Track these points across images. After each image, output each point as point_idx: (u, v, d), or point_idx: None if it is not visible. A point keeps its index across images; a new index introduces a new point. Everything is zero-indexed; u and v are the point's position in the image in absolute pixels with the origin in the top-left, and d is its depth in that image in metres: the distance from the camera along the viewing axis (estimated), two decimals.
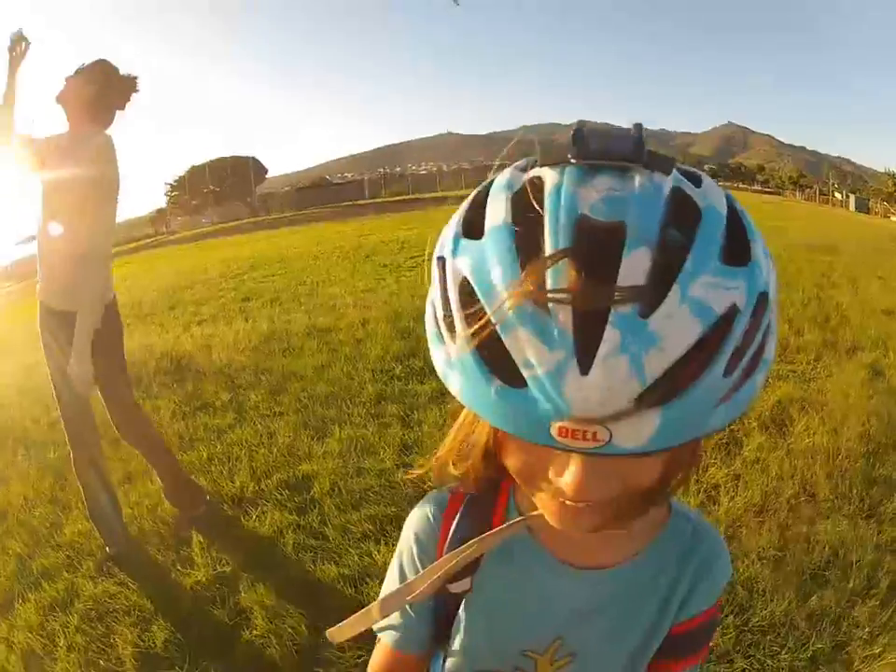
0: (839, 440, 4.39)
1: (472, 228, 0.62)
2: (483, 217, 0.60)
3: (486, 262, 0.57)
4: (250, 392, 5.61)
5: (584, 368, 0.51)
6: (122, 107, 3.36)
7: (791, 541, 3.26)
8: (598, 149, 0.56)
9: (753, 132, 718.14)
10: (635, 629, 0.91)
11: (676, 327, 0.52)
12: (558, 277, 0.52)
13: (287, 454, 4.31)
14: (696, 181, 0.60)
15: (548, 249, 0.54)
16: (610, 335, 0.51)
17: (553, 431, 0.55)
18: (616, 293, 0.51)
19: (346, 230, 22.89)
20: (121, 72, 3.34)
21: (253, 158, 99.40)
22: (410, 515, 0.99)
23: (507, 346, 0.54)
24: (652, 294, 0.52)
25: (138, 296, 11.85)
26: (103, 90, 3.20)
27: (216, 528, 3.57)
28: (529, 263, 0.54)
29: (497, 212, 0.59)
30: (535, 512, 0.80)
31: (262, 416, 5.01)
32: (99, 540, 3.47)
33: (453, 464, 0.85)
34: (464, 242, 0.61)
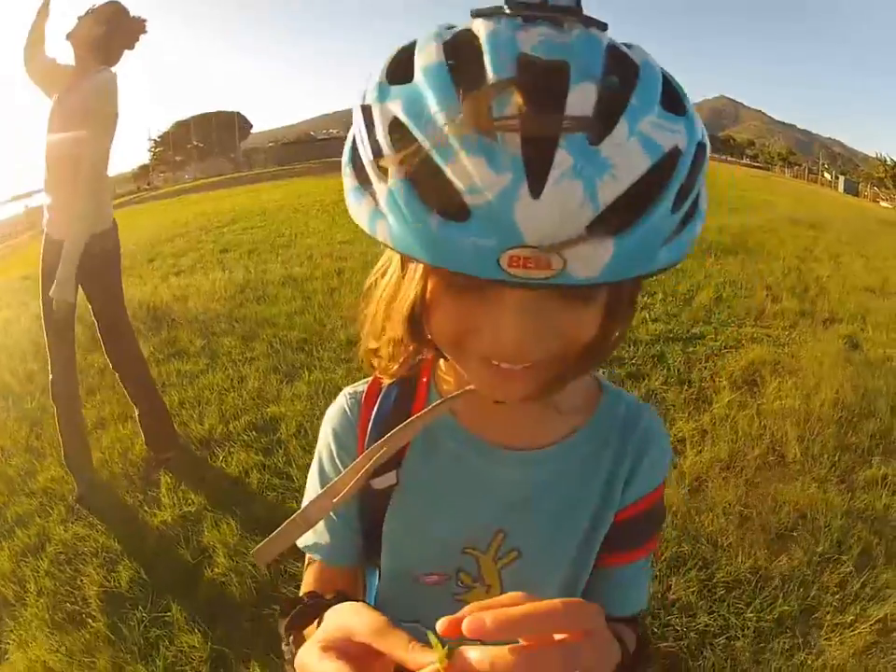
0: (811, 404, 4.40)
1: (399, 74, 0.57)
2: (412, 63, 0.57)
3: (421, 99, 0.53)
4: (223, 339, 5.59)
5: (536, 191, 0.49)
6: (131, 47, 3.41)
7: (759, 500, 3.27)
8: (535, 1, 0.54)
9: (745, 106, 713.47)
10: (579, 516, 0.86)
11: (626, 156, 0.51)
12: (504, 106, 0.50)
13: (257, 397, 4.30)
14: (628, 46, 0.58)
15: (490, 80, 0.51)
16: (562, 158, 0.49)
17: (504, 262, 0.51)
18: (565, 121, 0.50)
19: (328, 184, 22.53)
20: (130, 13, 3.36)
21: (238, 113, 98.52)
22: (326, 412, 0.93)
23: (448, 176, 0.51)
24: (601, 125, 0.51)
25: None
26: (111, 30, 3.23)
27: (184, 470, 3.56)
28: (470, 94, 0.52)
29: (429, 55, 0.56)
30: (464, 389, 0.76)
31: (234, 362, 5.00)
32: (71, 485, 3.47)
33: (374, 347, 0.82)
34: (392, 87, 0.57)
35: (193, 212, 17.79)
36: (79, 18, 3.23)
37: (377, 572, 0.94)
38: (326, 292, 6.60)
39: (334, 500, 0.79)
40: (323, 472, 0.91)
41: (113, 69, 3.27)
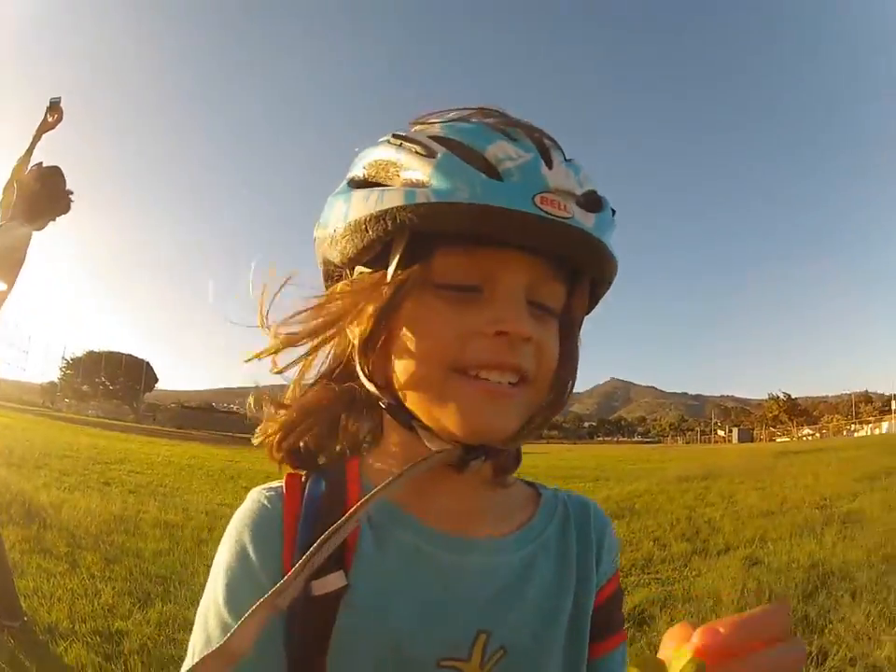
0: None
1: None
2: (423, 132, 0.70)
3: (455, 123, 0.69)
4: (87, 553, 5.38)
5: (548, 165, 0.65)
6: (54, 218, 3.47)
7: None
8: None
9: (636, 384, 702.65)
10: (562, 601, 0.75)
11: (585, 173, 0.69)
12: (506, 120, 0.69)
13: (107, 610, 4.11)
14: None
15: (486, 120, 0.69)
16: (556, 154, 0.67)
17: (537, 200, 0.61)
18: (549, 140, 0.68)
19: (219, 453, 22.38)
20: (66, 185, 3.46)
21: (147, 363, 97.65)
22: (231, 520, 0.73)
23: (487, 153, 0.63)
24: (566, 156, 0.70)
25: (11, 443, 11.33)
26: (43, 190, 3.32)
27: (25, 644, 3.36)
28: (494, 129, 0.67)
29: (438, 123, 0.71)
30: (438, 450, 0.68)
31: (92, 576, 4.78)
32: None
33: (298, 425, 0.76)
34: (415, 127, 0.72)
35: (88, 442, 17.32)
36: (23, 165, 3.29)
37: None
38: (194, 540, 6.42)
39: (274, 611, 0.59)
40: (234, 591, 0.66)
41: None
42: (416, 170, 0.64)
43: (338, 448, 0.79)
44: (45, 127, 3.45)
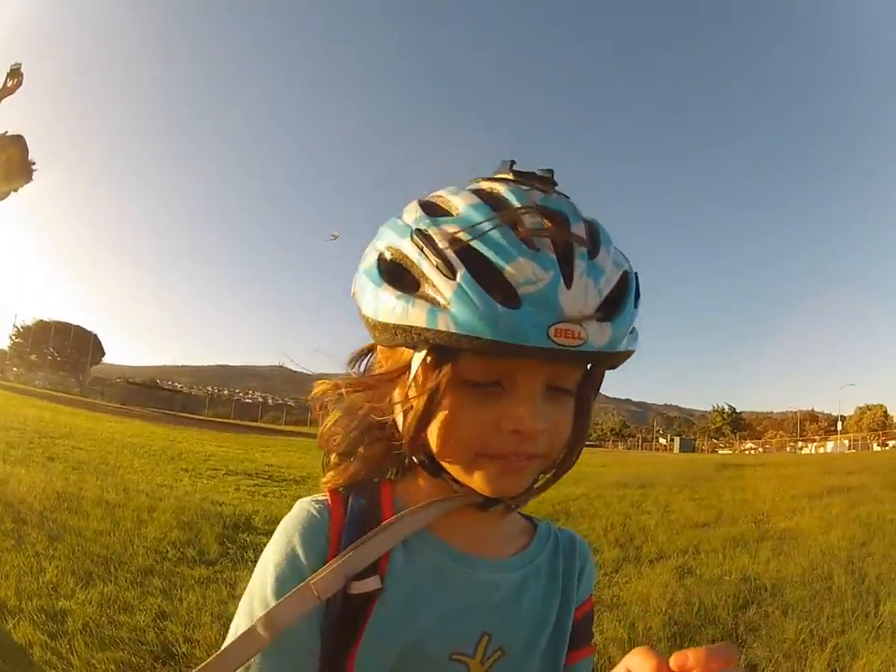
0: (637, 630, 4.45)
1: (438, 211, 0.74)
2: (447, 205, 0.74)
3: (473, 220, 0.69)
4: (32, 530, 5.39)
5: (568, 283, 0.66)
6: (16, 189, 3.41)
7: None
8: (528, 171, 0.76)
9: None
10: (549, 612, 0.87)
11: (609, 267, 0.71)
12: (532, 220, 0.68)
13: (52, 588, 4.16)
14: None
15: (516, 205, 0.70)
16: (579, 263, 0.68)
17: (552, 333, 0.64)
18: (575, 239, 0.69)
19: (161, 431, 22.09)
20: (28, 155, 3.36)
21: (95, 336, 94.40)
22: (281, 525, 0.82)
23: (506, 273, 0.65)
24: (591, 245, 0.71)
25: None
26: (6, 163, 3.24)
27: None
28: (503, 210, 0.70)
29: (465, 196, 0.74)
30: (462, 494, 0.81)
31: (37, 553, 4.81)
32: None
33: (343, 461, 0.88)
34: (439, 218, 0.72)
35: (35, 415, 16.97)
36: None
37: None
38: (134, 521, 6.42)
39: (316, 598, 0.72)
40: (281, 585, 0.75)
41: None
42: (437, 287, 0.67)
43: (374, 476, 0.90)
44: (4, 93, 3.38)
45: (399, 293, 0.70)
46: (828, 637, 4.30)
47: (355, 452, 0.87)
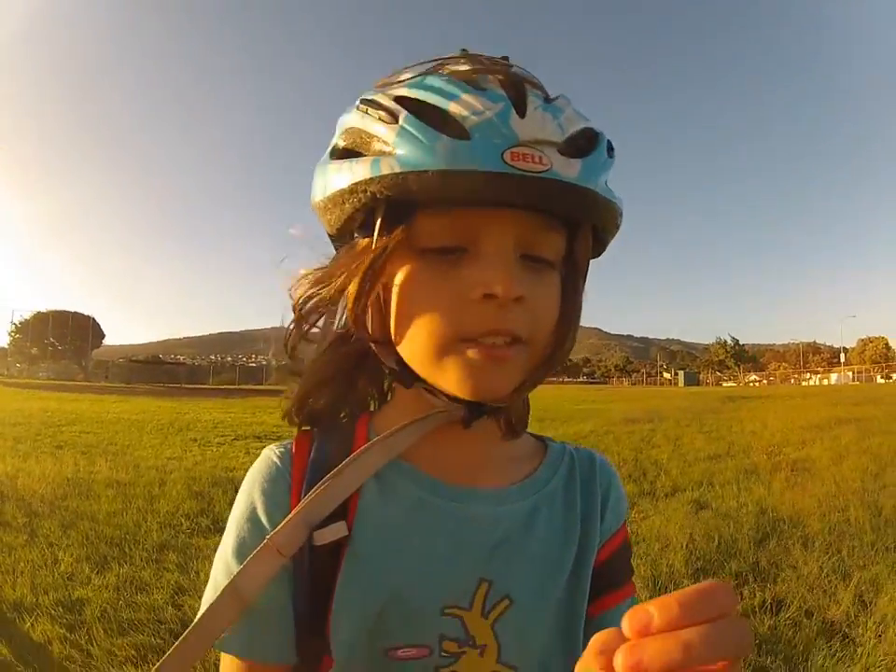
0: (659, 567, 4.24)
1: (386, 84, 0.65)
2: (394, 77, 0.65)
3: (421, 81, 0.60)
4: (44, 521, 5.21)
5: (521, 113, 0.56)
6: None
7: None
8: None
9: (580, 326, 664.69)
10: (565, 552, 0.70)
11: (570, 112, 0.60)
12: (487, 70, 0.59)
13: (67, 578, 4.01)
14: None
15: (465, 68, 0.61)
16: (533, 99, 0.57)
17: (507, 157, 0.54)
18: (526, 80, 0.59)
19: (167, 405, 21.92)
20: None
21: (93, 319, 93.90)
22: (246, 477, 0.70)
23: (451, 110, 0.56)
24: (548, 95, 0.61)
25: None
26: None
27: None
28: (457, 70, 0.61)
29: (406, 72, 0.64)
30: (436, 410, 0.66)
31: (51, 544, 4.64)
32: None
33: (314, 391, 0.73)
34: (387, 87, 0.63)
35: (39, 406, 16.71)
36: None
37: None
38: (146, 498, 6.26)
39: (280, 556, 0.61)
40: (243, 546, 0.64)
41: None
42: (381, 137, 0.58)
43: (350, 409, 0.76)
44: None
45: (345, 160, 0.61)
46: (851, 572, 4.10)
47: (327, 380, 0.73)
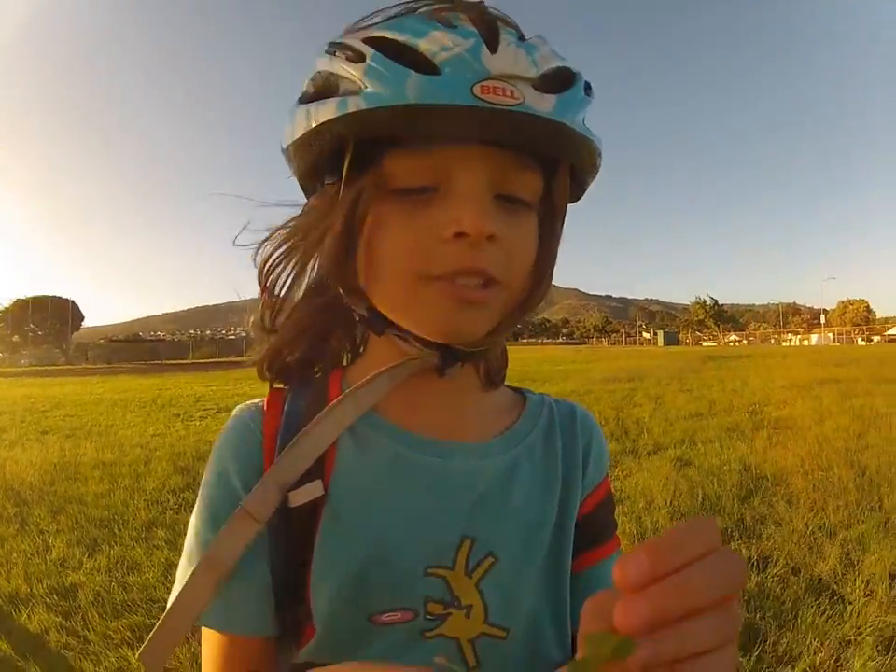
0: (644, 524, 4.24)
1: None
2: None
3: (392, 23, 0.57)
4: (34, 509, 5.19)
5: (493, 49, 0.53)
6: None
7: None
8: None
9: (559, 287, 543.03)
10: (547, 506, 0.67)
11: (545, 50, 0.56)
12: (458, 11, 0.56)
13: (60, 565, 4.01)
14: None
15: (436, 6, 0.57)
16: (506, 36, 0.54)
17: (477, 90, 0.51)
18: (499, 19, 0.56)
19: (149, 382, 21.68)
20: None
21: (72, 302, 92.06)
22: (216, 439, 0.66)
23: (420, 47, 0.53)
24: (522, 35, 0.57)
25: None
26: None
27: None
28: (427, 9, 0.57)
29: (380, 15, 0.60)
30: (407, 357, 0.63)
31: (41, 531, 4.63)
32: None
33: (287, 345, 0.70)
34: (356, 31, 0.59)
35: (22, 394, 16.46)
36: None
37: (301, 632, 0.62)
38: (132, 477, 6.25)
39: (255, 522, 0.58)
40: (215, 512, 0.61)
41: None
42: (349, 77, 0.55)
43: (324, 364, 0.73)
44: None
45: (313, 102, 0.57)
46: (836, 530, 4.10)
47: (300, 334, 0.70)
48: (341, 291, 0.64)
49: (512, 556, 0.63)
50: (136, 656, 0.58)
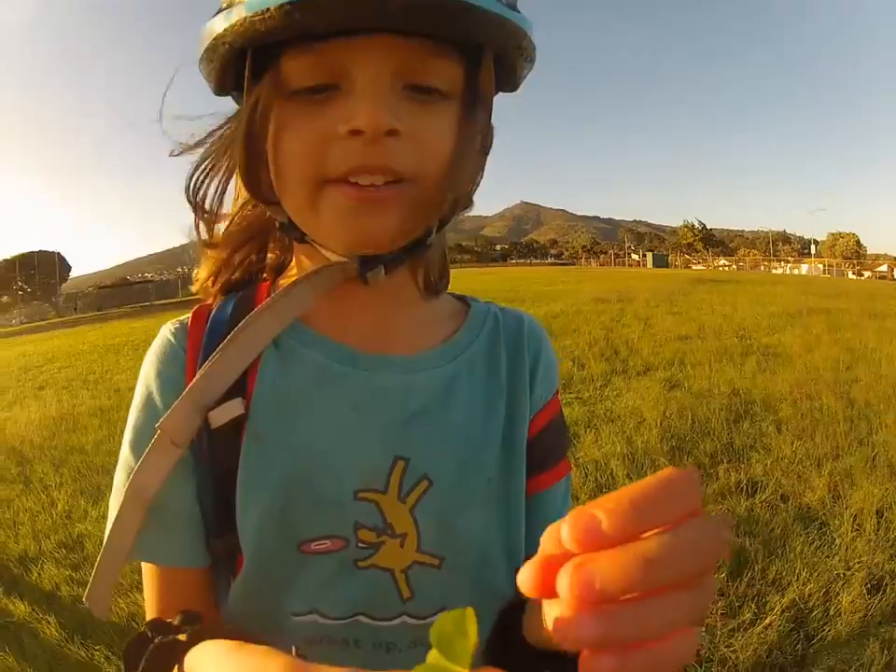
0: (635, 444, 4.18)
1: None
2: None
3: None
4: (37, 465, 5.12)
5: None
6: None
7: None
8: None
9: (546, 208, 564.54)
10: (490, 425, 0.60)
11: None
12: None
13: (66, 517, 3.98)
14: None
15: None
16: None
17: None
18: None
19: (140, 324, 21.23)
20: None
21: (58, 253, 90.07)
22: (144, 359, 0.60)
23: None
24: None
25: None
26: None
27: (4, 585, 3.21)
28: None
29: None
30: (327, 263, 0.56)
31: (45, 486, 4.58)
32: None
33: (228, 259, 0.65)
34: None
35: (16, 353, 16.19)
36: None
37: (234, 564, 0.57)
38: None
39: (175, 446, 0.53)
40: (140, 436, 0.56)
41: None
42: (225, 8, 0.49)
43: (264, 275, 0.67)
44: None
45: (203, 46, 0.52)
46: (824, 460, 3.99)
47: (240, 246, 0.65)
48: (262, 203, 0.58)
49: (449, 480, 0.57)
50: (86, 600, 0.51)
